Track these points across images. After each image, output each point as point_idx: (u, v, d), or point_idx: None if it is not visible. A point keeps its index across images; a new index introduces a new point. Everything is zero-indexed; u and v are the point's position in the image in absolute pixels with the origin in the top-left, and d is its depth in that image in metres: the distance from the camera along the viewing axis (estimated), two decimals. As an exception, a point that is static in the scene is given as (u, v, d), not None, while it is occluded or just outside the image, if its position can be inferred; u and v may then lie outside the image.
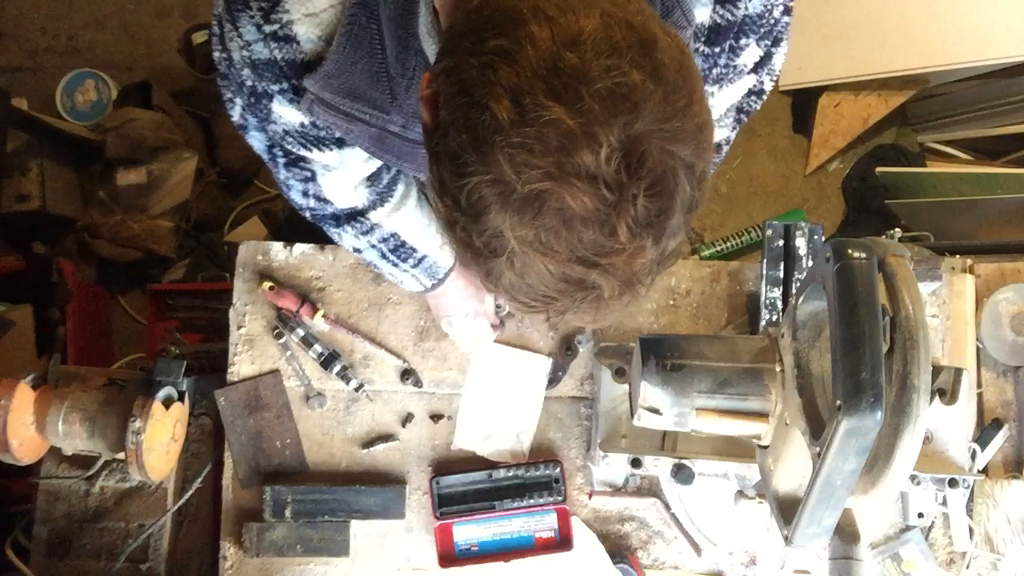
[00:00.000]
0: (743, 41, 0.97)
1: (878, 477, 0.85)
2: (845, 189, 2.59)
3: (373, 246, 1.21)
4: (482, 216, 0.65)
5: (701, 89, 0.68)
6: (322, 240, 1.43)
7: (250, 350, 1.42)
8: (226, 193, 2.54)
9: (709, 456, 1.30)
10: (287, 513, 1.36)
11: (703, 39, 0.94)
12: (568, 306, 0.69)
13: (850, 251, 0.82)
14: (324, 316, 1.41)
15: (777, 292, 1.41)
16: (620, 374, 1.26)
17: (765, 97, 1.18)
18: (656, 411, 0.98)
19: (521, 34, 0.63)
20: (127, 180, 2.31)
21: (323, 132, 0.96)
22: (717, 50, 0.96)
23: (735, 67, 1.02)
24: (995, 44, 2.16)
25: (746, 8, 0.93)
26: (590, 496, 1.40)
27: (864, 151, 2.59)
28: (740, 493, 1.12)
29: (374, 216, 1.16)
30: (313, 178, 1.07)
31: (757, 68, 1.07)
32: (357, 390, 1.41)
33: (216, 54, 0.97)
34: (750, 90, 1.14)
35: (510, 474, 1.38)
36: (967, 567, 1.39)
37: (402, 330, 1.44)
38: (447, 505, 1.37)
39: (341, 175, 1.07)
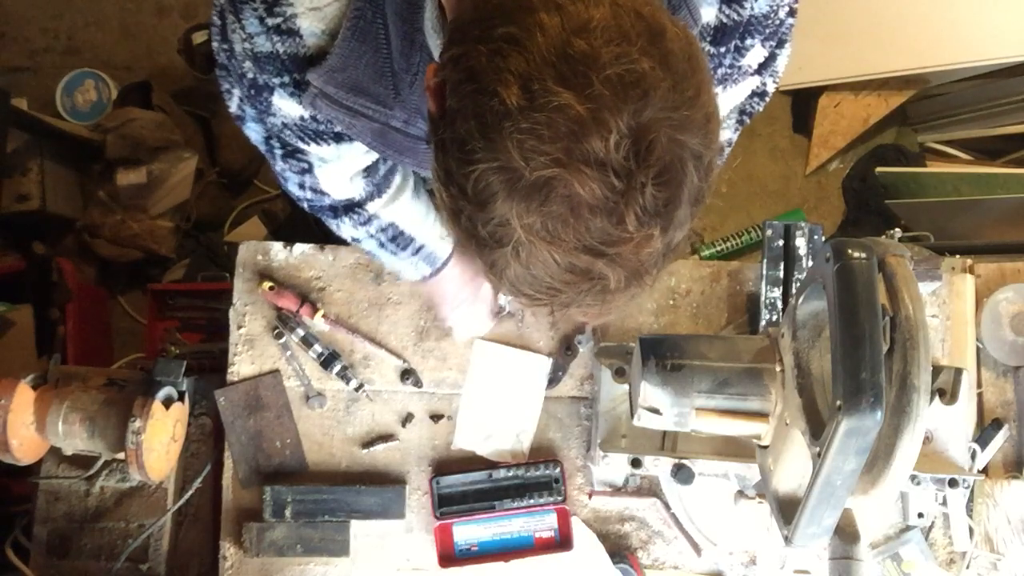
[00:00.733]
0: (748, 41, 0.97)
1: (878, 477, 0.86)
2: (845, 189, 2.59)
3: (371, 236, 1.21)
4: (488, 204, 0.65)
5: (709, 81, 0.68)
6: (322, 240, 1.43)
7: (250, 350, 1.42)
8: (226, 193, 2.54)
9: (709, 456, 1.30)
10: (287, 513, 1.36)
11: (709, 39, 0.94)
12: (573, 298, 0.69)
13: (850, 251, 0.82)
14: (324, 316, 1.41)
15: (777, 292, 1.41)
16: (620, 374, 1.26)
17: (768, 99, 1.18)
18: (656, 411, 0.98)
19: (530, 21, 0.63)
20: (127, 180, 2.31)
21: (322, 126, 0.96)
22: (722, 50, 0.96)
23: (739, 68, 1.02)
24: (995, 44, 2.16)
25: (752, 8, 0.92)
26: (590, 496, 1.40)
27: (864, 151, 2.59)
28: (740, 493, 1.12)
29: (371, 207, 1.16)
30: (310, 170, 1.07)
31: (761, 69, 1.08)
32: (357, 390, 1.41)
33: (216, 44, 0.97)
34: (753, 91, 1.15)
35: (510, 474, 1.38)
36: (967, 567, 1.39)
37: (402, 330, 1.44)
38: (447, 505, 1.37)
39: (338, 167, 1.07)
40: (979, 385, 1.45)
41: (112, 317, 2.44)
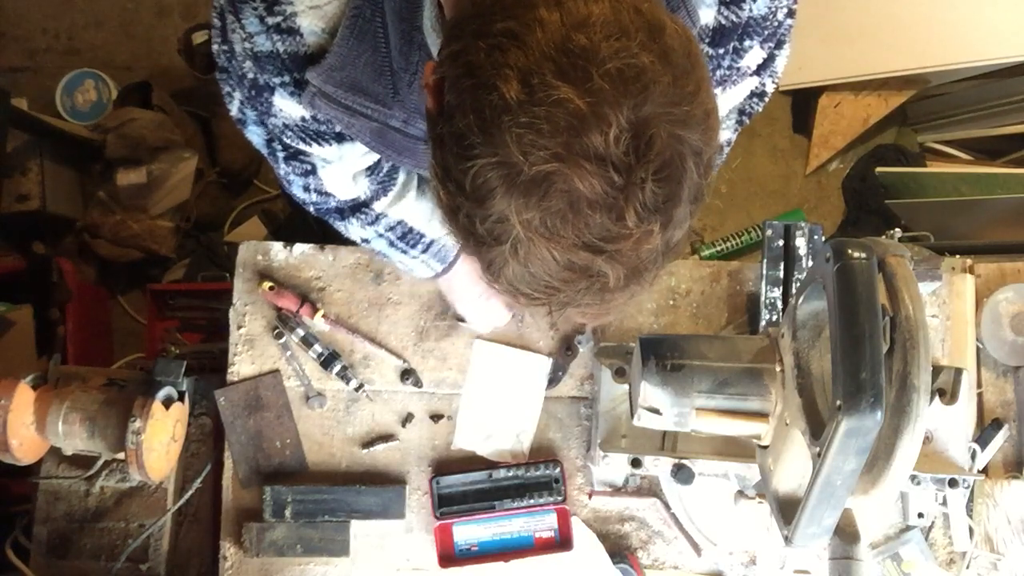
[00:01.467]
0: (747, 43, 0.96)
1: (878, 477, 0.86)
2: (845, 189, 2.59)
3: (380, 235, 1.20)
4: (487, 200, 0.64)
5: (708, 78, 0.68)
6: (322, 240, 1.43)
7: (250, 350, 1.42)
8: (226, 193, 2.54)
9: (709, 456, 1.30)
10: (287, 513, 1.36)
11: (707, 40, 0.94)
12: (572, 297, 0.68)
13: (850, 251, 0.82)
14: (324, 316, 1.41)
15: (777, 292, 1.41)
16: (620, 374, 1.26)
17: (767, 99, 1.18)
18: (656, 411, 0.98)
19: (530, 17, 0.63)
20: (127, 180, 2.31)
21: (323, 127, 0.96)
22: (721, 51, 0.96)
23: (738, 69, 1.02)
24: (995, 44, 2.16)
25: (751, 10, 0.92)
26: (590, 496, 1.40)
27: (864, 151, 2.59)
28: (740, 493, 1.12)
29: (378, 206, 1.16)
30: (313, 171, 1.06)
31: (760, 70, 1.07)
32: (357, 390, 1.41)
33: (216, 46, 0.97)
34: (752, 92, 1.14)
35: (510, 474, 1.38)
36: (967, 567, 1.39)
37: (402, 330, 1.44)
38: (447, 505, 1.37)
39: (340, 167, 1.07)
40: (979, 385, 1.45)
41: (112, 317, 2.44)
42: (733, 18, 0.92)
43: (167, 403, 1.31)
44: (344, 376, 1.40)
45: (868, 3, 2.33)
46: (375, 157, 1.09)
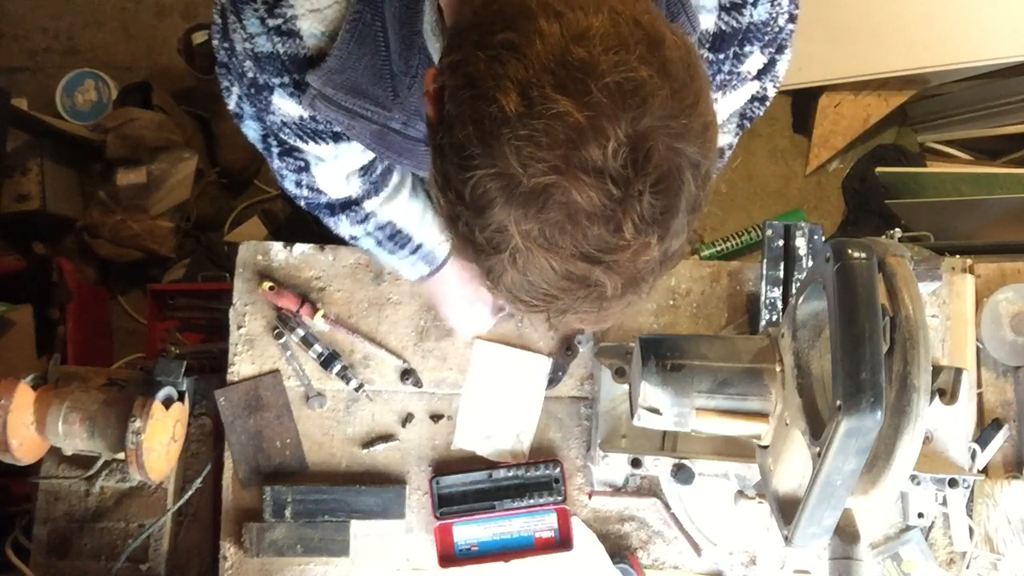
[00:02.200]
0: (747, 48, 0.97)
1: (878, 477, 0.86)
2: (845, 189, 2.59)
3: (368, 234, 1.21)
4: (486, 210, 0.65)
5: (707, 89, 0.68)
6: (322, 240, 1.43)
7: (250, 350, 1.42)
8: (226, 193, 2.54)
9: (709, 456, 1.30)
10: (287, 513, 1.36)
11: (707, 45, 0.94)
12: (570, 305, 0.69)
13: (850, 251, 0.82)
14: (324, 316, 1.41)
15: (777, 292, 1.41)
16: (620, 374, 1.26)
17: (768, 103, 1.18)
18: (656, 411, 0.98)
19: (530, 28, 0.63)
20: (127, 180, 2.30)
21: (321, 126, 0.96)
22: (721, 57, 0.96)
23: (739, 74, 1.02)
24: (995, 44, 2.16)
25: (751, 16, 0.92)
26: (590, 496, 1.40)
27: (864, 151, 2.59)
28: (740, 493, 1.12)
29: (368, 205, 1.17)
30: (306, 168, 1.07)
31: (760, 75, 1.07)
32: (357, 390, 1.41)
33: (216, 42, 0.98)
34: (753, 96, 1.15)
35: (510, 474, 1.38)
36: (967, 567, 1.39)
37: (402, 330, 1.44)
38: (447, 505, 1.37)
39: (335, 166, 1.07)
40: (979, 385, 1.45)
41: (112, 317, 2.43)
42: (733, 24, 0.92)
43: (167, 403, 1.31)
44: (344, 376, 1.40)
45: (868, 3, 2.33)
46: (370, 156, 1.09)
